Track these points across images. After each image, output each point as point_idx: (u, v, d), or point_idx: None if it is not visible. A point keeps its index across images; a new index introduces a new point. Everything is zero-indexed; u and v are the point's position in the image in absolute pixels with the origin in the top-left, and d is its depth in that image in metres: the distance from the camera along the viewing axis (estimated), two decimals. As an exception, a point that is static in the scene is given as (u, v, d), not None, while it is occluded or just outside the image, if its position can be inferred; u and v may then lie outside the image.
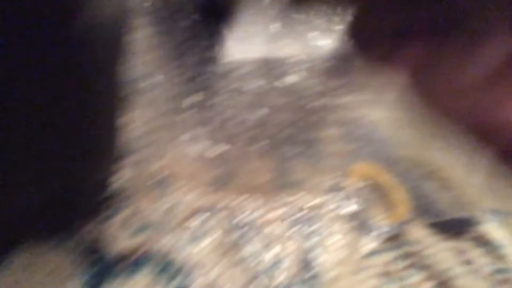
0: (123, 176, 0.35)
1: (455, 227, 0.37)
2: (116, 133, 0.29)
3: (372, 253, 0.36)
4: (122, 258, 0.31)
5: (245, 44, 0.35)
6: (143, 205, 0.34)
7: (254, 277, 0.32)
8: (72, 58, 0.23)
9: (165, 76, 0.38)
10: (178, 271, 0.32)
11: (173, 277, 0.31)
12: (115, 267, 0.31)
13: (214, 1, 0.38)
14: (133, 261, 0.31)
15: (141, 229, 0.33)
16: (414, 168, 0.36)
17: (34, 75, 0.22)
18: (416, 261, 0.35)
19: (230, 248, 0.33)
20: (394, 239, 0.37)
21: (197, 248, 0.33)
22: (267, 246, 0.34)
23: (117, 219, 0.33)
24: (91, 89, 0.24)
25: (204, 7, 0.38)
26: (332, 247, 0.34)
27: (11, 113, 0.23)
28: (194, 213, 0.34)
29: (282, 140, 0.35)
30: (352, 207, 0.37)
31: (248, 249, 0.33)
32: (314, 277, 0.33)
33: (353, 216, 0.36)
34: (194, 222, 0.34)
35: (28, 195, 0.28)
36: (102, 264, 0.31)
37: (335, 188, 0.37)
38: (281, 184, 0.36)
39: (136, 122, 0.38)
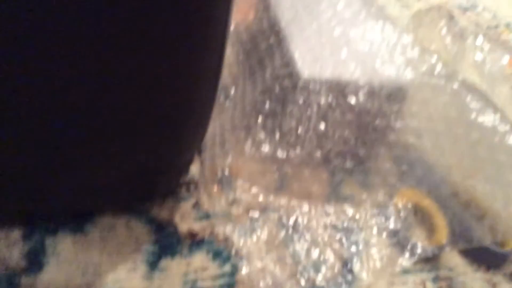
0: (198, 167, 0.40)
1: (490, 260, 0.38)
2: (207, 122, 0.34)
3: (406, 271, 0.38)
4: (185, 238, 0.36)
5: (316, 65, 0.39)
6: (210, 195, 0.39)
7: (297, 273, 0.36)
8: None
9: (245, 87, 0.44)
10: (232, 256, 0.36)
11: (226, 261, 0.35)
12: (178, 245, 0.36)
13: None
14: (194, 242, 0.36)
15: (206, 216, 0.38)
16: (455, 196, 0.38)
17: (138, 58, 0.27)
18: (448, 285, 0.38)
19: (279, 244, 0.37)
20: (429, 261, 0.39)
21: (250, 239, 0.37)
22: (312, 247, 0.37)
23: (188, 203, 0.38)
24: (190, 77, 0.29)
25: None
26: (370, 258, 0.37)
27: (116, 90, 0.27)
28: (251, 209, 0.39)
29: (340, 154, 0.39)
30: (394, 225, 0.39)
31: (294, 248, 0.37)
32: (350, 282, 0.36)
33: (394, 233, 0.39)
34: (251, 217, 0.38)
35: (117, 167, 0.33)
36: (167, 240, 0.36)
37: (381, 205, 0.40)
38: (331, 194, 0.40)
39: (213, 124, 0.43)
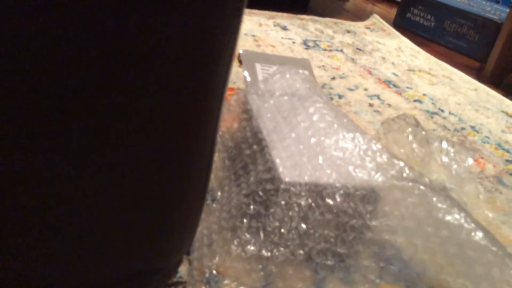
0: (186, 267, 0.42)
1: None
2: (196, 225, 0.36)
3: None
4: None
5: (296, 170, 0.43)
6: (197, 295, 0.40)
7: None
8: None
9: (230, 190, 0.47)
10: None
11: None
12: None
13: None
14: None
15: (193, 315, 0.39)
16: (434, 289, 0.41)
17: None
18: None
19: None
20: None
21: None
22: None
23: (175, 304, 0.39)
24: (181, 181, 0.32)
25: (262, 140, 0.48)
26: None
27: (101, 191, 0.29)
28: (239, 308, 0.40)
29: (321, 252, 0.42)
30: (377, 320, 0.41)
31: None
32: None
33: (377, 328, 0.41)
34: (238, 316, 0.40)
35: (105, 271, 0.34)
36: None
37: (363, 301, 0.42)
38: (315, 291, 0.42)
39: (201, 225, 0.46)
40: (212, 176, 0.52)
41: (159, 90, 0.27)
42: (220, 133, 0.56)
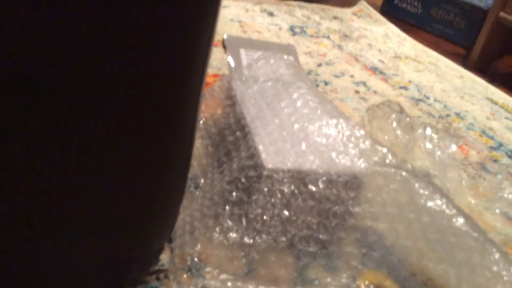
0: (168, 255, 0.42)
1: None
2: (177, 211, 0.36)
3: None
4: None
5: (279, 156, 0.43)
6: (179, 283, 0.40)
7: None
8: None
9: (213, 177, 0.47)
10: None
11: None
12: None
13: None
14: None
15: (175, 303, 0.39)
16: (413, 276, 0.41)
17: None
18: None
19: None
20: None
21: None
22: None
23: (157, 292, 0.39)
24: (160, 166, 0.32)
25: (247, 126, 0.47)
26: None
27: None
28: (221, 295, 0.40)
29: (304, 238, 0.41)
30: (359, 305, 0.41)
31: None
32: None
33: (359, 314, 0.41)
34: (220, 303, 0.39)
35: (86, 256, 0.34)
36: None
37: (346, 287, 0.42)
38: (297, 278, 0.41)
39: (183, 212, 0.46)
40: (195, 163, 0.52)
41: (137, 77, 0.27)
42: (203, 119, 0.56)
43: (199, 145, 0.52)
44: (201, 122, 0.55)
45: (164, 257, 0.42)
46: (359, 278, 0.43)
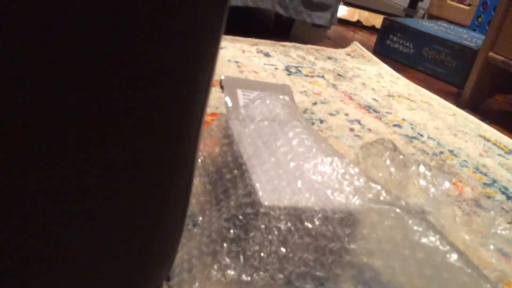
0: (164, 294, 0.42)
1: None
2: (176, 249, 0.37)
3: None
4: None
5: (275, 194, 0.44)
6: (177, 320, 0.40)
7: None
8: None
9: (211, 215, 0.47)
10: None
11: None
12: None
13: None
14: None
15: None
16: (411, 312, 0.41)
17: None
18: None
19: None
20: None
21: None
22: None
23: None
24: (159, 205, 0.33)
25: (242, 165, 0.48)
26: None
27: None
28: (219, 333, 0.40)
29: (301, 275, 0.42)
30: None
31: None
32: None
33: None
34: None
35: None
36: None
37: (342, 325, 0.42)
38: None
39: (182, 250, 0.46)
40: (194, 201, 0.52)
41: (138, 114, 0.28)
42: (201, 158, 0.57)
43: (197, 183, 0.53)
44: (199, 160, 0.56)
45: (163, 295, 0.43)
46: (356, 315, 0.43)
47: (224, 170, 0.51)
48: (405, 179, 0.59)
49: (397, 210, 0.43)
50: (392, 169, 0.59)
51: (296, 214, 0.43)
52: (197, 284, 0.41)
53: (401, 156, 0.62)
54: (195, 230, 0.48)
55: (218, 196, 0.49)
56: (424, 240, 0.41)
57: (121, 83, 0.26)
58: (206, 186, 0.53)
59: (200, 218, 0.49)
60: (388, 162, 0.59)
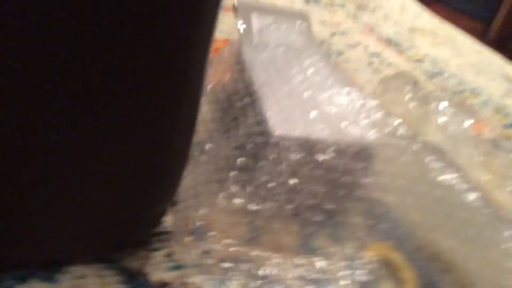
0: (172, 218, 0.41)
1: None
2: (180, 174, 0.35)
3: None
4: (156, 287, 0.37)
5: (287, 124, 0.42)
6: (182, 246, 0.39)
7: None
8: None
9: (219, 143, 0.46)
10: (202, 307, 0.36)
11: (196, 311, 0.36)
12: (150, 295, 0.36)
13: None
14: (165, 292, 0.36)
15: (177, 266, 0.38)
16: (421, 250, 0.40)
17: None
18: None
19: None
20: (398, 314, 0.40)
21: (221, 290, 0.38)
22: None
23: (160, 253, 0.39)
24: (164, 129, 0.31)
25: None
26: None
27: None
28: (223, 260, 0.40)
29: (309, 208, 0.41)
30: (362, 277, 0.41)
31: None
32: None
33: (362, 286, 0.40)
34: (222, 268, 0.39)
35: (88, 217, 0.33)
36: (140, 290, 0.36)
37: (350, 258, 0.41)
38: (302, 247, 0.41)
39: (188, 177, 0.45)
40: (202, 128, 0.51)
41: (143, 39, 0.26)
42: (211, 85, 0.54)
43: (206, 110, 0.51)
44: (209, 87, 0.54)
45: (168, 220, 0.42)
46: (364, 249, 0.42)
47: (235, 98, 0.49)
48: (424, 116, 0.56)
49: (415, 146, 0.41)
50: (411, 105, 0.56)
51: (308, 146, 0.41)
52: (202, 210, 0.40)
53: (421, 92, 0.59)
54: (202, 157, 0.47)
55: (228, 124, 0.47)
56: (441, 178, 0.39)
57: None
58: (215, 113, 0.51)
59: (208, 145, 0.48)
60: (407, 97, 0.56)
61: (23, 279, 0.34)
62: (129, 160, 0.31)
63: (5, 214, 0.30)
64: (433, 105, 0.59)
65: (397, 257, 0.41)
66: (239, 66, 0.52)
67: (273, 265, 0.40)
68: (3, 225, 0.31)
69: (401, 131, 0.43)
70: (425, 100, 0.58)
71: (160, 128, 0.31)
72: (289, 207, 0.40)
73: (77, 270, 0.36)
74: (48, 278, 0.34)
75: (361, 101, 0.44)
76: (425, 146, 0.42)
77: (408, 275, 0.41)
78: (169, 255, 0.39)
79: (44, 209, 0.31)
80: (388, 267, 0.42)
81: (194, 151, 0.49)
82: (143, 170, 0.32)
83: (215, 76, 0.54)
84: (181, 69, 0.29)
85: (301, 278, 0.40)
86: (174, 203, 0.43)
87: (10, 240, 0.32)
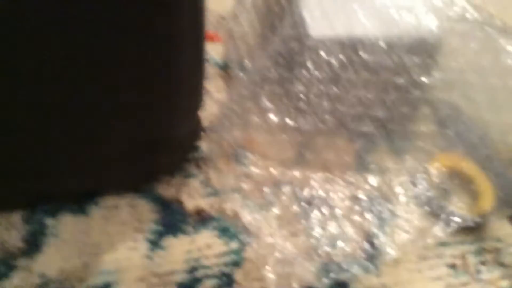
0: (207, 142, 0.38)
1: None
2: (198, 91, 0.32)
3: (443, 243, 0.33)
4: (192, 215, 0.34)
5: (326, 22, 0.35)
6: (219, 171, 0.36)
7: (310, 247, 0.33)
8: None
9: (255, 57, 0.41)
10: (240, 232, 0.33)
11: (233, 238, 0.33)
12: (183, 222, 0.34)
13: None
14: (201, 219, 0.34)
15: (214, 192, 0.36)
16: (496, 156, 0.33)
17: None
18: (494, 258, 0.32)
19: (292, 219, 0.34)
20: (472, 232, 0.34)
21: (261, 215, 0.34)
22: (329, 221, 0.34)
23: (196, 180, 0.36)
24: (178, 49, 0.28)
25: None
26: (397, 230, 0.33)
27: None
28: (263, 183, 0.36)
29: (356, 117, 0.35)
30: (425, 193, 0.35)
31: (309, 222, 0.34)
32: (372, 256, 0.32)
33: (425, 202, 0.34)
34: (262, 192, 0.36)
35: (115, 143, 0.32)
36: (172, 218, 0.34)
37: (409, 172, 0.36)
38: (350, 162, 0.36)
39: (224, 97, 0.41)
40: (240, 43, 0.46)
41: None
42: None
43: (244, 22, 0.46)
44: (247, -5, 0.48)
45: (205, 145, 0.39)
46: (428, 161, 0.36)
47: (272, 2, 0.43)
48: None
49: (486, 28, 0.32)
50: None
51: (351, 45, 0.34)
52: (236, 131, 0.36)
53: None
54: (241, 74, 0.42)
55: (265, 33, 0.42)
56: (520, 63, 0.31)
57: None
58: (254, 25, 0.45)
59: (246, 61, 0.43)
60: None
61: (54, 213, 0.33)
62: (141, 79, 0.28)
63: (34, 145, 0.29)
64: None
65: (469, 167, 0.35)
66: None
67: (319, 186, 0.35)
68: (33, 157, 0.30)
69: (470, 12, 0.34)
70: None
71: (164, 42, 0.27)
72: (332, 119, 0.35)
73: (109, 200, 0.34)
74: (79, 211, 0.33)
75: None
76: (503, 28, 0.33)
77: (483, 186, 0.34)
78: (205, 181, 0.36)
79: (71, 137, 0.30)
80: (459, 179, 0.35)
81: (233, 69, 0.45)
82: (157, 88, 0.29)
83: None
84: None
85: (351, 198, 0.35)
86: (209, 128, 0.40)
87: (40, 171, 0.31)
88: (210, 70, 0.46)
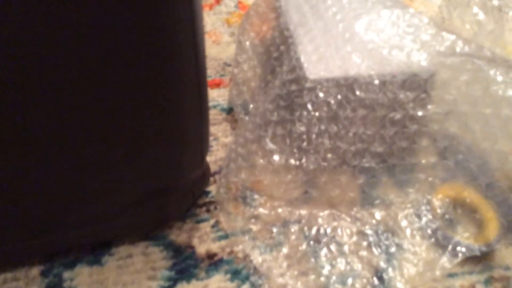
0: (215, 186, 0.39)
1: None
2: (201, 135, 0.33)
3: (452, 274, 0.34)
4: (203, 259, 0.35)
5: (322, 65, 0.37)
6: (228, 213, 0.37)
7: (324, 286, 0.33)
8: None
9: (258, 101, 0.42)
10: (252, 274, 0.34)
11: (245, 280, 0.34)
12: (196, 268, 0.35)
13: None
14: (212, 263, 0.35)
15: (225, 235, 0.36)
16: (498, 182, 0.34)
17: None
18: (504, 286, 0.33)
19: (301, 258, 0.35)
20: (480, 261, 0.34)
21: (271, 255, 0.35)
22: (337, 258, 0.34)
23: (207, 224, 0.37)
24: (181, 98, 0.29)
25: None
26: (405, 263, 0.34)
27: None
28: (271, 223, 0.37)
29: (357, 153, 0.36)
30: (430, 224, 0.35)
31: (318, 260, 0.34)
32: (384, 290, 0.32)
33: (431, 233, 0.35)
34: (271, 232, 0.36)
35: (124, 192, 0.33)
36: (184, 264, 0.35)
37: (413, 204, 0.36)
38: (355, 198, 0.37)
39: (230, 141, 0.42)
40: (244, 88, 0.48)
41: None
42: (249, 40, 0.51)
43: (247, 68, 0.48)
44: (247, 43, 0.50)
45: (213, 190, 0.40)
46: (431, 192, 0.37)
47: (272, 49, 0.45)
48: (499, 27, 0.47)
49: (476, 60, 0.34)
50: (482, 17, 0.47)
51: (347, 84, 0.36)
52: (242, 173, 0.37)
53: (494, 1, 0.50)
54: (246, 118, 0.44)
55: (266, 78, 0.43)
56: (510, 92, 0.32)
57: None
58: (256, 70, 0.47)
59: (251, 105, 0.44)
60: (476, 9, 0.47)
61: (71, 265, 0.34)
62: (144, 129, 0.30)
63: (50, 200, 0.30)
64: (510, 13, 0.50)
65: (472, 196, 0.35)
66: (275, 13, 0.48)
67: (325, 223, 0.36)
68: (49, 211, 0.31)
69: (460, 46, 0.36)
70: (499, 8, 0.49)
71: (164, 87, 0.29)
72: (334, 156, 0.36)
73: (123, 250, 0.35)
74: (95, 262, 0.34)
75: (407, 22, 0.37)
76: (491, 59, 0.34)
77: (487, 214, 0.34)
78: (215, 225, 0.37)
79: (86, 190, 0.31)
80: (462, 209, 0.36)
81: (239, 113, 0.46)
82: (160, 136, 0.31)
83: (252, 30, 0.51)
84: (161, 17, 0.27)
85: (358, 233, 0.35)
86: (218, 172, 0.41)
87: (60, 224, 0.33)
88: (218, 116, 0.48)
